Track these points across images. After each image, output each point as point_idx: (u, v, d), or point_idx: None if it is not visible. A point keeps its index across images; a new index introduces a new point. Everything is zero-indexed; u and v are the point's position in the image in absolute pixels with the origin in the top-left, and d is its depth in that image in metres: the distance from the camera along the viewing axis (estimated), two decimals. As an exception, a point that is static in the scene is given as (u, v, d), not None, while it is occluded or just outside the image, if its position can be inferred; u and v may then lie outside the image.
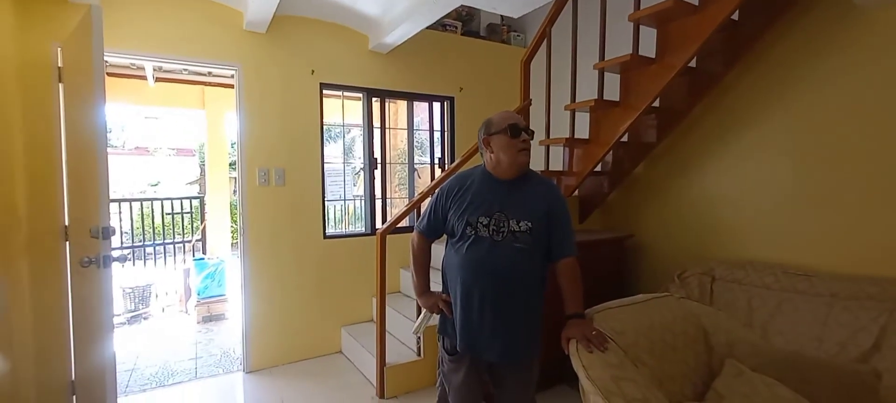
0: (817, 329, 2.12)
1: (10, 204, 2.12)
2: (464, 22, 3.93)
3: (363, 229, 3.63)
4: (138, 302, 4.57)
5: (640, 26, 2.42)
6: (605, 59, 2.55)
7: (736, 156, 2.65)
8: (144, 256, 5.73)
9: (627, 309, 1.69)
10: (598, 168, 3.06)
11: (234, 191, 5.93)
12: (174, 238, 5.86)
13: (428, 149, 3.94)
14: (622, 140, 2.79)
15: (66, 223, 2.41)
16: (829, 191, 2.28)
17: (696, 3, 2.16)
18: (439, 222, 1.71)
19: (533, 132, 1.63)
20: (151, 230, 5.92)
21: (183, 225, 5.89)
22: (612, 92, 2.62)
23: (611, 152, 2.94)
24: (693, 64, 2.60)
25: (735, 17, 2.41)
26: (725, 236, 2.73)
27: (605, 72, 2.63)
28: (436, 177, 3.79)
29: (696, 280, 2.61)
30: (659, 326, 1.67)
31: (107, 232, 1.88)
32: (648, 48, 2.41)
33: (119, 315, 4.35)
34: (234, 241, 5.84)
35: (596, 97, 2.60)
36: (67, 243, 2.42)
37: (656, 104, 2.72)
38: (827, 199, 2.29)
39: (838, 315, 2.10)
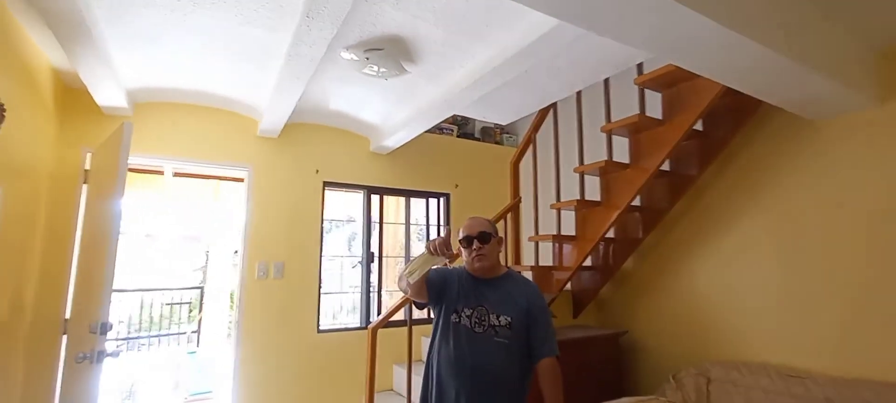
0: (816, 435, 2.05)
1: (17, 298, 2.22)
2: (459, 125, 4.27)
3: (358, 323, 3.63)
4: (125, 399, 4.43)
5: (614, 135, 2.66)
6: (584, 163, 2.76)
7: (721, 255, 2.70)
8: (138, 347, 5.64)
9: (610, 412, 1.67)
10: (588, 262, 3.14)
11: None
12: (170, 328, 5.81)
13: (424, 242, 4.07)
14: (608, 236, 2.90)
15: (67, 316, 2.48)
16: (815, 292, 2.30)
17: (661, 118, 2.40)
18: (437, 284, 1.70)
19: (489, 236, 1.69)
20: (148, 320, 5.89)
21: (180, 315, 5.88)
22: (594, 191, 2.79)
23: (600, 247, 3.05)
24: (668, 167, 2.80)
25: (700, 127, 2.65)
26: (720, 335, 2.70)
27: (586, 175, 2.82)
28: (431, 269, 3.86)
29: (691, 381, 2.56)
30: (644, 431, 1.64)
31: (104, 328, 1.95)
32: (625, 153, 2.63)
33: (104, 411, 4.20)
34: (230, 332, 5.78)
35: (578, 198, 2.77)
36: (64, 337, 2.47)
37: (638, 203, 2.87)
38: (815, 301, 2.30)
39: (836, 420, 2.04)
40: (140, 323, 5.77)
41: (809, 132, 2.34)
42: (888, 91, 2.08)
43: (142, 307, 5.78)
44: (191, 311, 6.01)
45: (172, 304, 5.90)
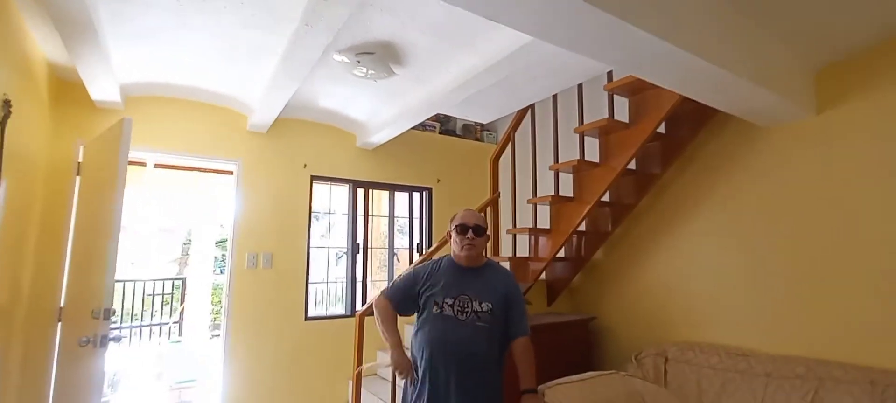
0: (756, 406, 2.32)
1: (15, 287, 2.29)
2: (442, 122, 4.44)
3: (343, 311, 3.78)
4: (107, 387, 4.46)
5: (586, 136, 2.89)
6: (559, 161, 2.98)
7: (680, 247, 2.98)
8: (119, 338, 5.63)
9: (576, 385, 1.90)
10: (562, 253, 3.38)
11: (215, 271, 6.02)
12: (152, 319, 5.82)
13: (407, 234, 4.24)
14: (580, 229, 3.14)
15: (62, 304, 2.56)
16: (760, 281, 2.59)
17: (628, 121, 2.64)
18: (410, 301, 1.92)
19: (483, 229, 1.89)
20: (130, 311, 5.88)
21: (162, 305, 5.89)
22: (568, 188, 3.02)
23: (572, 239, 3.28)
24: (635, 166, 3.04)
25: (663, 129, 2.89)
26: (678, 319, 2.97)
27: (560, 172, 3.04)
28: (414, 260, 4.04)
29: (651, 360, 2.82)
30: (603, 402, 1.88)
31: (108, 313, 2.05)
32: (596, 152, 2.86)
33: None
34: (213, 322, 5.82)
35: (553, 193, 2.99)
36: (59, 324, 2.54)
37: (607, 199, 3.11)
38: (760, 289, 2.59)
39: (773, 394, 2.32)
40: (120, 314, 5.75)
41: (759, 137, 2.61)
42: (823, 103, 2.37)
43: (123, 297, 5.76)
44: (172, 301, 6.02)
45: (153, 295, 5.90)
